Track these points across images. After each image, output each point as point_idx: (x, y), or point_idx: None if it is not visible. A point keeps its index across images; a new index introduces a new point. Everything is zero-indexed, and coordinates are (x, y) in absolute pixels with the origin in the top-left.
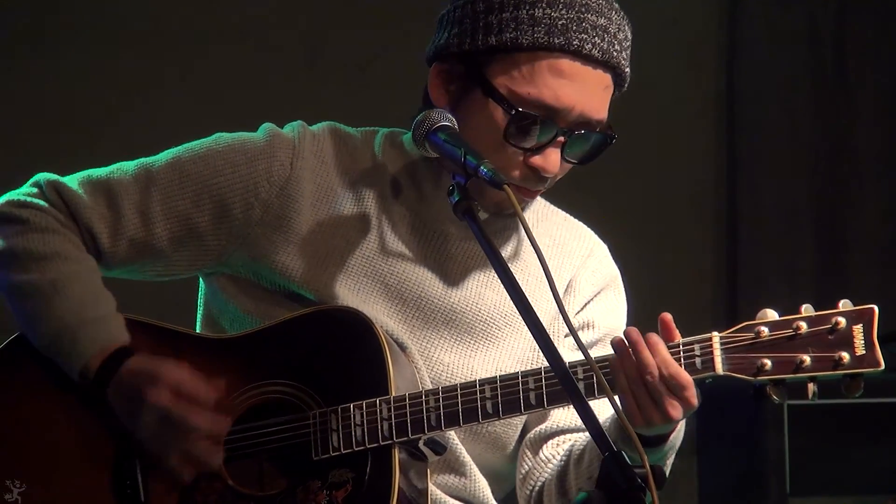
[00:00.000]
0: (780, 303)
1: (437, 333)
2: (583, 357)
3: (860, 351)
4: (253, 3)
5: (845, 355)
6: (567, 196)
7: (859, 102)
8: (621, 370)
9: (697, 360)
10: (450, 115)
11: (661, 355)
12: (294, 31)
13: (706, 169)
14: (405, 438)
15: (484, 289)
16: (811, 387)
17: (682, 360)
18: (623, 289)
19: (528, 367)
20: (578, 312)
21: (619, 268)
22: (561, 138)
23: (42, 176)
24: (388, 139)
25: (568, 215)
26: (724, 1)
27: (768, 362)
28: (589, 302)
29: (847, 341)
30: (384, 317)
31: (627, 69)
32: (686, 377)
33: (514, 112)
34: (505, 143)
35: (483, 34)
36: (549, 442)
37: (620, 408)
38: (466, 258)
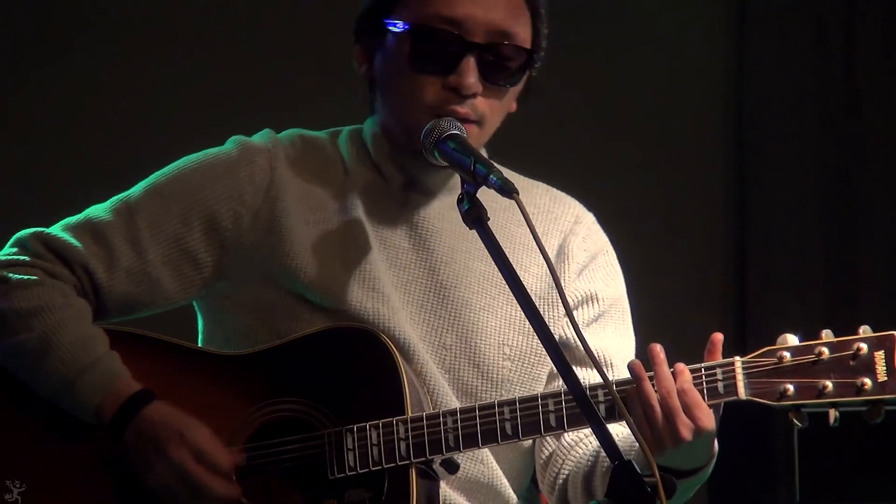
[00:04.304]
0: (790, 319)
1: (435, 314)
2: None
3: (882, 377)
4: (260, 8)
5: (868, 381)
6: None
7: (869, 111)
8: (637, 394)
9: (720, 385)
10: (458, 124)
11: (682, 375)
12: (302, 34)
13: (714, 182)
14: (423, 458)
15: (471, 260)
16: (833, 413)
17: (704, 383)
18: (615, 256)
19: (531, 338)
20: (575, 281)
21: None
22: (472, 55)
23: (22, 233)
24: (351, 136)
25: (550, 187)
26: (732, 12)
27: (791, 387)
28: (584, 269)
29: (869, 367)
30: (381, 306)
31: None
32: (697, 395)
33: (416, 31)
34: (416, 73)
35: None
36: None
37: (637, 431)
38: (450, 231)
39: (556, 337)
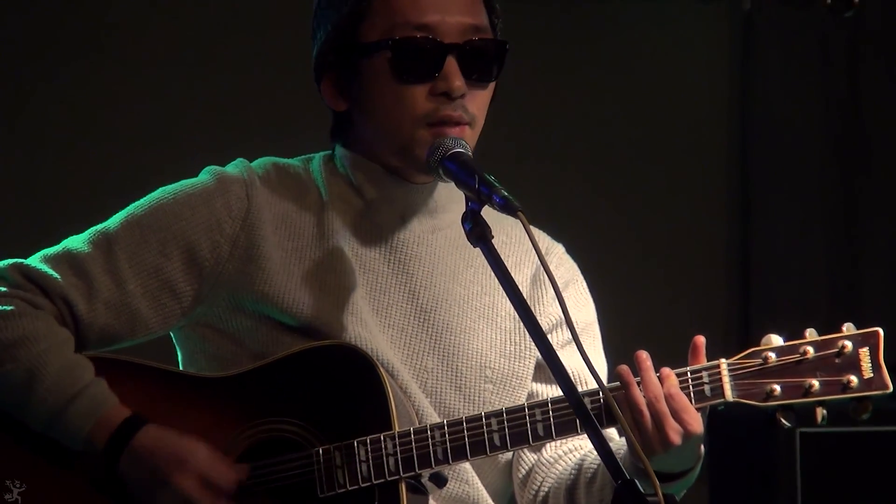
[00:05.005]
0: (792, 330)
1: (416, 338)
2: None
3: (868, 374)
4: (265, 29)
5: (853, 379)
6: (579, 224)
7: (873, 129)
8: (625, 400)
9: (706, 388)
10: (463, 142)
11: (668, 380)
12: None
13: (718, 200)
14: (412, 473)
15: (451, 284)
16: (820, 411)
17: (690, 387)
18: (586, 284)
19: (513, 360)
20: (549, 307)
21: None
22: (452, 57)
23: (0, 263)
24: (324, 161)
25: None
26: (737, 30)
27: (777, 388)
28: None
29: (854, 364)
30: (362, 330)
31: None
32: (685, 399)
33: (390, 43)
34: (404, 86)
35: (335, 13)
36: (551, 442)
37: (632, 438)
38: (429, 255)
39: (535, 358)
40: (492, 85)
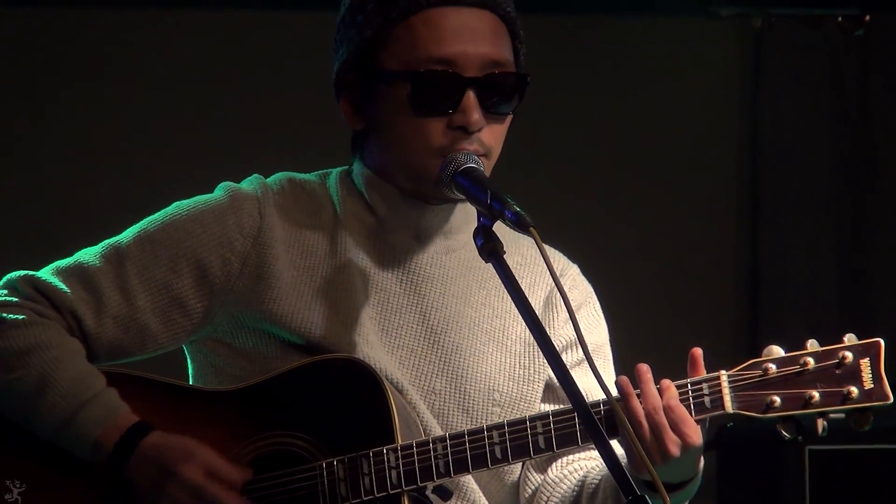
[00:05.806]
0: (800, 344)
1: (425, 360)
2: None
3: (868, 385)
4: (270, 48)
5: (854, 390)
6: (590, 237)
7: (882, 145)
8: (624, 411)
9: (706, 399)
10: (475, 157)
11: (668, 392)
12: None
13: (728, 212)
14: (414, 486)
15: (463, 306)
16: (821, 422)
17: (690, 399)
18: (599, 305)
19: (521, 384)
20: (561, 328)
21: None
22: (471, 91)
23: (11, 275)
24: (341, 177)
25: None
26: (747, 48)
27: (777, 399)
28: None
29: (855, 375)
30: (370, 350)
31: (509, 8)
32: (684, 411)
33: (411, 75)
34: (419, 117)
35: (358, 35)
36: (556, 462)
37: (639, 448)
38: (442, 277)
39: (544, 381)
40: (510, 116)
